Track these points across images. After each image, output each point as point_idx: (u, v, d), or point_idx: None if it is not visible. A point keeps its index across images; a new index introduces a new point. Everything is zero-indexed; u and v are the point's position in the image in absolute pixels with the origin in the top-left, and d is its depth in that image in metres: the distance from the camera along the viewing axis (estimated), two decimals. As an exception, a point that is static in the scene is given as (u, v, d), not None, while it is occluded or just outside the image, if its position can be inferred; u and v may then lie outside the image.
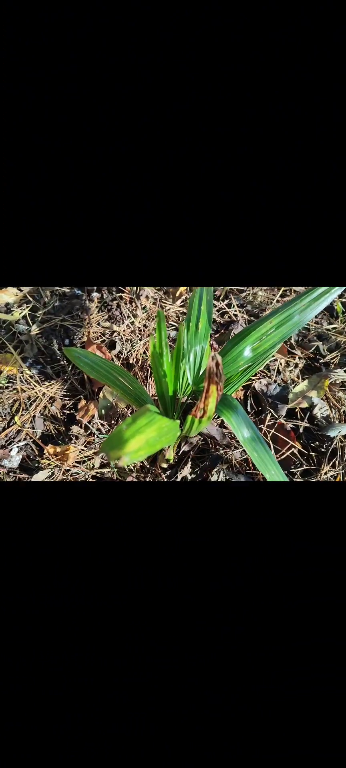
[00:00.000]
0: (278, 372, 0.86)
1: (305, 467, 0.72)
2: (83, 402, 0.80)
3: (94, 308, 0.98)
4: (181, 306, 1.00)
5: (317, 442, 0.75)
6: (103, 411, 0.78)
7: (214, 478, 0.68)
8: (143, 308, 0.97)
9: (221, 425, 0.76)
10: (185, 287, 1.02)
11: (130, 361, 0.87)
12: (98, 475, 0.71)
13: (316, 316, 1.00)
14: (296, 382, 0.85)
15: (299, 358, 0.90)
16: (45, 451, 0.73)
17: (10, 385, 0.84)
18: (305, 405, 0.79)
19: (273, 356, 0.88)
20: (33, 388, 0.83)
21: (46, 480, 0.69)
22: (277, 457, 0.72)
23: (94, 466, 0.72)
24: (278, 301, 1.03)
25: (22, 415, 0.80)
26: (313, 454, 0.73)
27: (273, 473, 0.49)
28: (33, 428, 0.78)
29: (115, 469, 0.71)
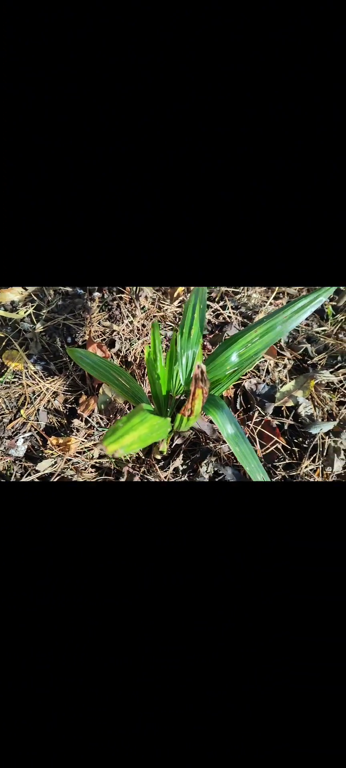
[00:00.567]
0: (268, 372, 0.92)
1: (287, 461, 0.78)
2: (84, 397, 0.86)
3: (95, 308, 1.04)
4: (178, 306, 1.05)
5: (300, 439, 0.81)
6: (102, 406, 0.84)
7: (203, 470, 0.74)
8: (142, 308, 1.03)
9: (212, 422, 0.82)
10: (183, 288, 1.07)
11: (129, 359, 0.93)
12: (97, 465, 0.78)
13: (306, 319, 1.05)
14: (284, 382, 0.90)
15: (288, 359, 0.95)
16: (48, 442, 0.79)
17: (16, 380, 0.90)
18: (290, 404, 0.85)
19: (263, 357, 0.93)
20: (37, 384, 0.89)
21: (49, 469, 0.76)
22: (262, 452, 0.78)
23: (93, 456, 0.78)
24: (271, 304, 1.08)
25: (28, 408, 0.86)
26: (296, 449, 0.79)
27: (253, 467, 0.55)
28: (37, 420, 0.84)
29: (113, 459, 0.77)
